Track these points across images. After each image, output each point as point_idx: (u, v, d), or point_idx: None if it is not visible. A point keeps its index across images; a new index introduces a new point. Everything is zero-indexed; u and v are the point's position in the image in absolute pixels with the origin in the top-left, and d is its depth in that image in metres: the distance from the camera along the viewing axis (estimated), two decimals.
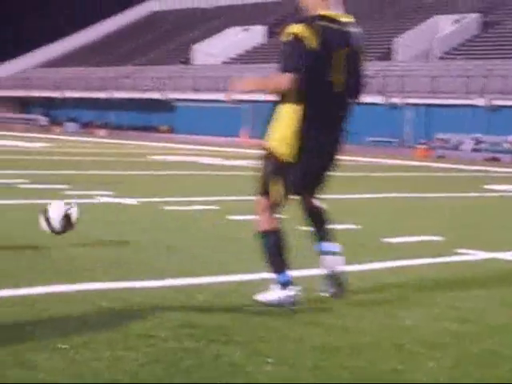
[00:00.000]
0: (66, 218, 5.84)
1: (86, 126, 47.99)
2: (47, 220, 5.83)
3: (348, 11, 4.45)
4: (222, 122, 41.21)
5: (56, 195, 9.57)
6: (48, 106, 53.18)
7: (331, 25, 4.32)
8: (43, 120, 50.50)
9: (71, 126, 48.49)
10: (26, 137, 33.01)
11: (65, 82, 52.77)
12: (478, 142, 33.83)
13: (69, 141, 31.72)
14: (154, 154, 22.82)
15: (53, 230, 5.84)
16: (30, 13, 70.27)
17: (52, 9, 70.24)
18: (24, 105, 55.27)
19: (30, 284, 4.59)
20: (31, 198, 9.10)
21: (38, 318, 3.88)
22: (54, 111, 52.66)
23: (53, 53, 61.58)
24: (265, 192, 4.37)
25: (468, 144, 34.03)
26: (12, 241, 6.19)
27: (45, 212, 5.88)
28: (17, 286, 4.53)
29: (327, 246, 4.55)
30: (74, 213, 5.90)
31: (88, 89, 51.35)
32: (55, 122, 49.85)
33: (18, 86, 55.04)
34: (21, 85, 54.84)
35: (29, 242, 6.07)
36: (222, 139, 37.72)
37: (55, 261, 5.45)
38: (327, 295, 4.57)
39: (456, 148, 33.98)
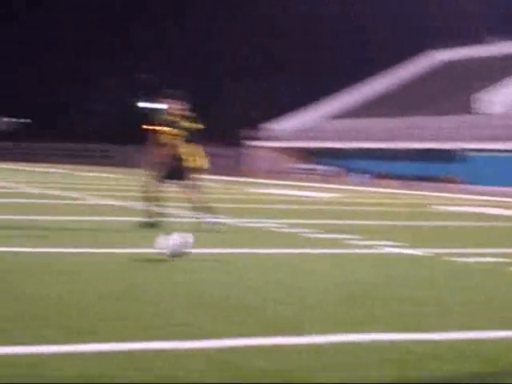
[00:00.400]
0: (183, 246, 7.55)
1: (373, 177, 48.82)
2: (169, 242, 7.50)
3: None
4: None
5: (339, 244, 10.00)
6: (334, 156, 54.87)
7: None
8: (330, 170, 52.24)
9: (358, 176, 49.55)
10: (314, 187, 34.35)
11: (351, 133, 54.24)
12: None
13: (355, 191, 32.52)
14: (438, 204, 22.74)
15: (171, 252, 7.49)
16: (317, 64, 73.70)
17: (339, 62, 73.06)
18: (311, 155, 57.47)
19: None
20: (318, 248, 9.59)
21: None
22: (339, 161, 54.19)
23: (339, 104, 63.57)
24: None
25: None
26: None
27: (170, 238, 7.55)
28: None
29: None
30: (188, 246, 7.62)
31: (374, 139, 52.35)
32: (341, 172, 51.35)
33: (306, 137, 57.53)
34: (308, 136, 57.31)
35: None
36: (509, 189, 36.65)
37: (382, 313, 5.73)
38: None
39: None
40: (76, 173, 39.29)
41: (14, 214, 12.27)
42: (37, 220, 11.58)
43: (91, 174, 37.07)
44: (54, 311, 5.09)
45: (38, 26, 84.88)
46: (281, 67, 77.01)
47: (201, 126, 11.04)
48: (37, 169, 43.66)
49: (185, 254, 7.60)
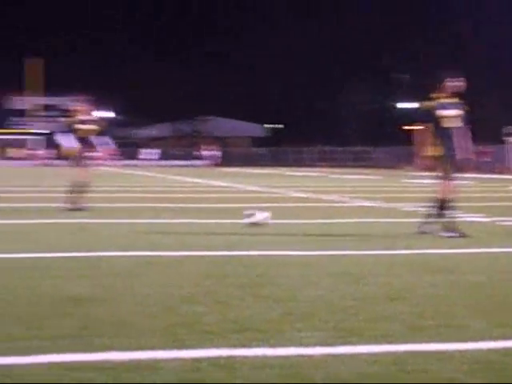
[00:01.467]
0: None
1: None
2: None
3: None
4: None
5: None
6: None
7: None
8: None
9: None
10: None
11: None
12: None
13: None
14: None
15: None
16: None
17: None
18: None
19: None
20: None
21: None
22: None
23: None
24: None
25: None
26: None
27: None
28: None
29: None
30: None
31: None
32: None
33: None
34: None
35: None
36: None
37: None
38: None
39: None
40: (332, 175, 40.03)
41: (287, 218, 12.67)
42: (319, 223, 11.96)
43: (350, 177, 37.56)
44: (322, 311, 5.29)
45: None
46: None
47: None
48: (297, 173, 45.04)
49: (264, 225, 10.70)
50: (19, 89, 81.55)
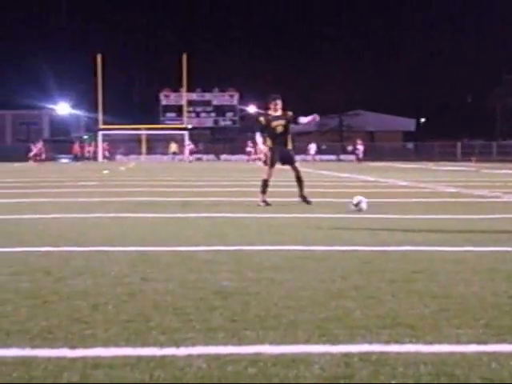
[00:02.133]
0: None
1: None
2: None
3: None
4: None
5: None
6: None
7: None
8: None
9: None
10: None
11: None
12: None
13: None
14: None
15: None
16: None
17: None
18: None
19: None
20: None
21: None
22: None
23: None
24: None
25: None
26: None
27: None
28: None
29: None
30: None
31: None
32: None
33: None
34: None
35: None
36: None
37: None
38: None
39: None
40: (483, 170, 38.86)
41: (439, 214, 12.42)
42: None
43: (498, 172, 36.34)
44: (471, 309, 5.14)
45: None
46: None
47: None
48: (443, 167, 44.02)
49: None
50: (173, 85, 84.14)
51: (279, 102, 14.49)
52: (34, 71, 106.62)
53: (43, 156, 62.09)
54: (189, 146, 73.24)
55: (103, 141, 76.23)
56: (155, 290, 5.77)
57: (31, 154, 60.84)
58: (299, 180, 14.56)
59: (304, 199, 14.35)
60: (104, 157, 74.69)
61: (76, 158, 73.89)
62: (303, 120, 14.68)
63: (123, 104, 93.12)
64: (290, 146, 14.59)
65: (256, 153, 61.04)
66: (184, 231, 9.75)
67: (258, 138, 14.68)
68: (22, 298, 5.43)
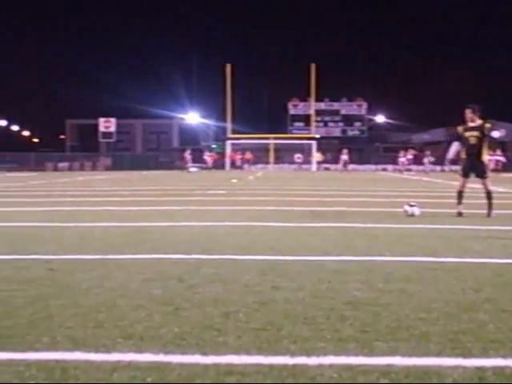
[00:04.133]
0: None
1: None
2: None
3: None
4: None
5: None
6: None
7: None
8: None
9: None
10: None
11: None
12: None
13: None
14: None
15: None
16: None
17: None
18: None
19: None
20: None
21: None
22: None
23: None
24: None
25: None
26: None
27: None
28: None
29: None
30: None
31: None
32: None
33: None
34: None
35: None
36: None
37: None
38: None
39: None
40: None
41: None
42: None
43: None
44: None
45: None
46: None
47: None
48: None
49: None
50: (302, 94, 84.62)
51: (467, 112, 14.05)
52: (165, 82, 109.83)
53: (189, 164, 63.56)
54: (343, 155, 71.78)
55: (232, 150, 77.29)
56: (286, 299, 5.83)
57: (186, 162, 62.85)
58: (487, 197, 14.09)
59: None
60: (237, 166, 75.61)
61: (206, 167, 75.14)
62: (495, 134, 14.08)
63: (251, 113, 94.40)
64: (483, 158, 14.14)
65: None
66: (312, 241, 9.79)
67: (452, 146, 14.52)
68: (154, 305, 5.60)
